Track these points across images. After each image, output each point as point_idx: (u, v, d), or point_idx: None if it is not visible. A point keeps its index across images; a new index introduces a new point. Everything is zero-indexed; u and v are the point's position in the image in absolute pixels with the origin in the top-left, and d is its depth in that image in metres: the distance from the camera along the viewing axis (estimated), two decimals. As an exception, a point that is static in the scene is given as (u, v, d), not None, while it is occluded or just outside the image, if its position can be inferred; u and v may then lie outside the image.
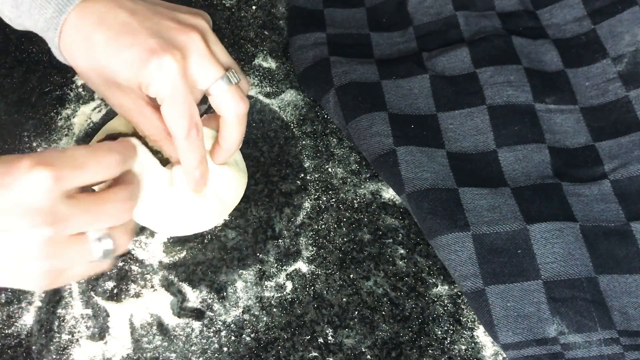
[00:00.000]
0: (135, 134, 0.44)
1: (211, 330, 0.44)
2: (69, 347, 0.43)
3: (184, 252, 0.47)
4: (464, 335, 0.44)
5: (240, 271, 0.46)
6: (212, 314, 0.44)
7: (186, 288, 0.45)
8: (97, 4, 0.38)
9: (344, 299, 0.45)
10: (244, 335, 0.44)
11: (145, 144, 0.42)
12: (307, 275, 0.46)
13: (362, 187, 0.50)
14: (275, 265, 0.46)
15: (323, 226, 0.48)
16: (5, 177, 0.31)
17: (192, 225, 0.45)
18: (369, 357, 0.43)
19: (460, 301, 0.45)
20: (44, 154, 0.32)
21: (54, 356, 0.43)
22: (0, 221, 0.30)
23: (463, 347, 0.43)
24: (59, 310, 0.44)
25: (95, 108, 0.54)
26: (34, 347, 0.43)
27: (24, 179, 0.30)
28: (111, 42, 0.37)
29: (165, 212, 0.43)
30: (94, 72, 0.39)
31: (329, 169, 0.51)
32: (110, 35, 0.37)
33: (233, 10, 0.59)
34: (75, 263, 0.33)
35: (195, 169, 0.41)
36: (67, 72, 0.55)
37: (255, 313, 0.44)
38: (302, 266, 0.46)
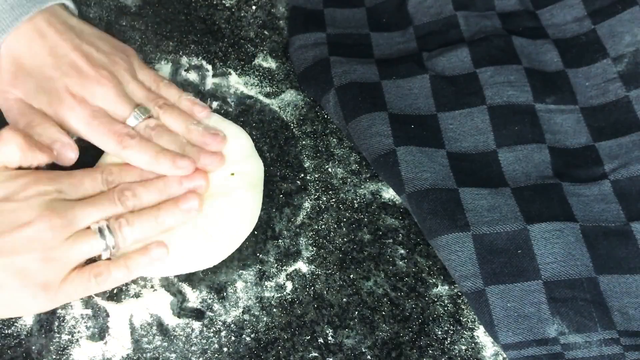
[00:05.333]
0: None
1: (211, 330, 0.44)
2: (69, 347, 0.43)
3: (184, 252, 0.47)
4: (464, 336, 0.44)
5: (240, 271, 0.46)
6: (212, 314, 0.44)
7: (186, 288, 0.45)
8: (26, 31, 0.43)
9: (344, 299, 0.45)
10: (244, 336, 0.44)
11: None
12: (307, 276, 0.46)
13: (362, 187, 0.50)
14: (275, 265, 0.46)
15: (323, 226, 0.48)
16: None
17: (188, 265, 0.45)
18: (369, 357, 0.43)
19: (460, 301, 0.45)
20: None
21: (54, 356, 0.43)
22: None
23: (463, 348, 0.43)
24: (59, 311, 0.44)
25: (95, 108, 0.53)
26: (34, 347, 0.43)
27: None
28: (33, 84, 0.43)
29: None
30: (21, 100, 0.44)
31: (329, 169, 0.51)
32: (33, 78, 0.43)
33: (233, 10, 0.59)
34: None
35: (156, 163, 0.43)
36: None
37: (255, 313, 0.44)
38: (302, 266, 0.46)
